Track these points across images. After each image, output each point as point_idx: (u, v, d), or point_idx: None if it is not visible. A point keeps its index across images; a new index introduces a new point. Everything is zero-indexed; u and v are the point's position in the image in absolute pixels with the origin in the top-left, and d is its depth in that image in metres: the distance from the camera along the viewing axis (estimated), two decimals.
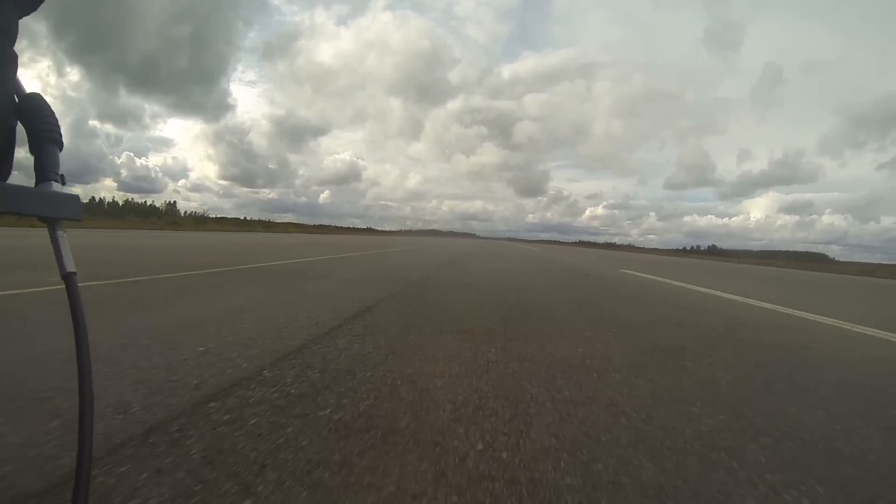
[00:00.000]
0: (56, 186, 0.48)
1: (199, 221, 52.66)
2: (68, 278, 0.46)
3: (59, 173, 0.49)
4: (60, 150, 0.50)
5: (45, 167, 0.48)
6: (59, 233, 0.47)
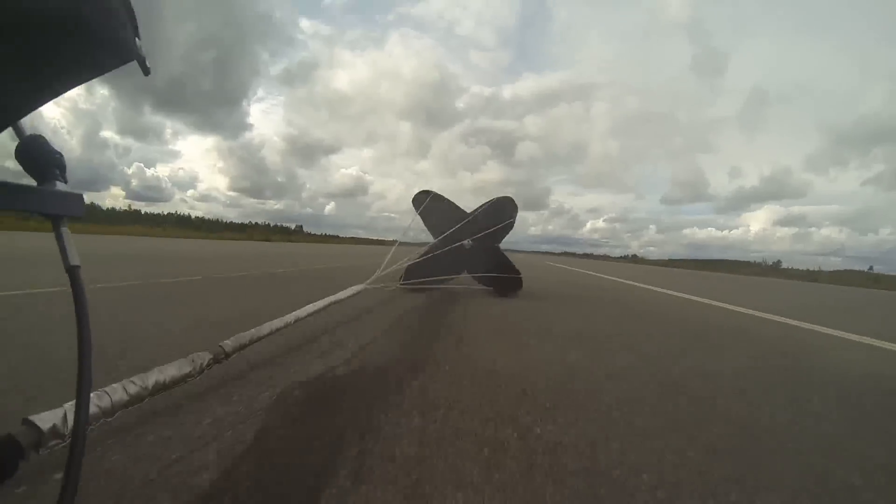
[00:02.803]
0: (59, 185, 0.49)
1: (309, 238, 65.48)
2: (72, 271, 0.49)
3: (62, 173, 0.50)
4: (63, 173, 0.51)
5: (48, 167, 0.49)
6: (63, 229, 0.49)
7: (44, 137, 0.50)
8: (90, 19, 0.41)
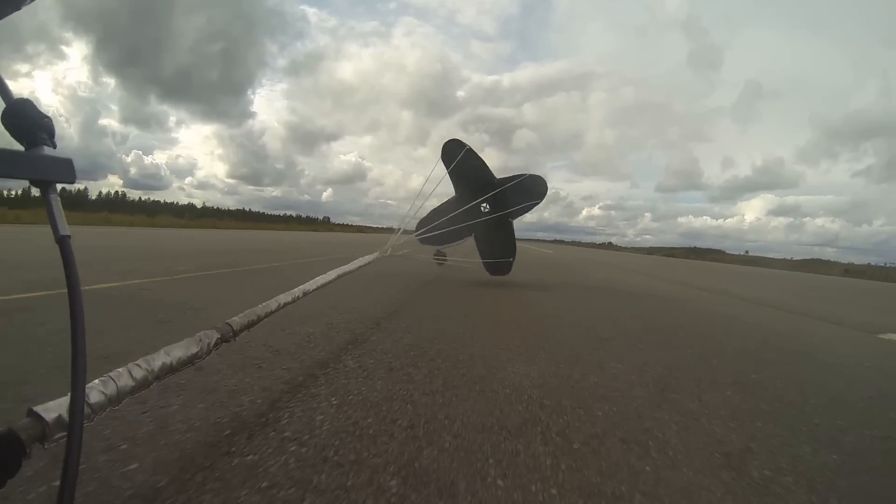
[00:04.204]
0: (48, 150, 0.47)
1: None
2: (62, 241, 0.47)
3: (51, 137, 0.48)
4: (52, 137, 0.49)
5: (36, 132, 0.47)
6: (53, 196, 0.47)
7: (31, 101, 0.48)
8: None
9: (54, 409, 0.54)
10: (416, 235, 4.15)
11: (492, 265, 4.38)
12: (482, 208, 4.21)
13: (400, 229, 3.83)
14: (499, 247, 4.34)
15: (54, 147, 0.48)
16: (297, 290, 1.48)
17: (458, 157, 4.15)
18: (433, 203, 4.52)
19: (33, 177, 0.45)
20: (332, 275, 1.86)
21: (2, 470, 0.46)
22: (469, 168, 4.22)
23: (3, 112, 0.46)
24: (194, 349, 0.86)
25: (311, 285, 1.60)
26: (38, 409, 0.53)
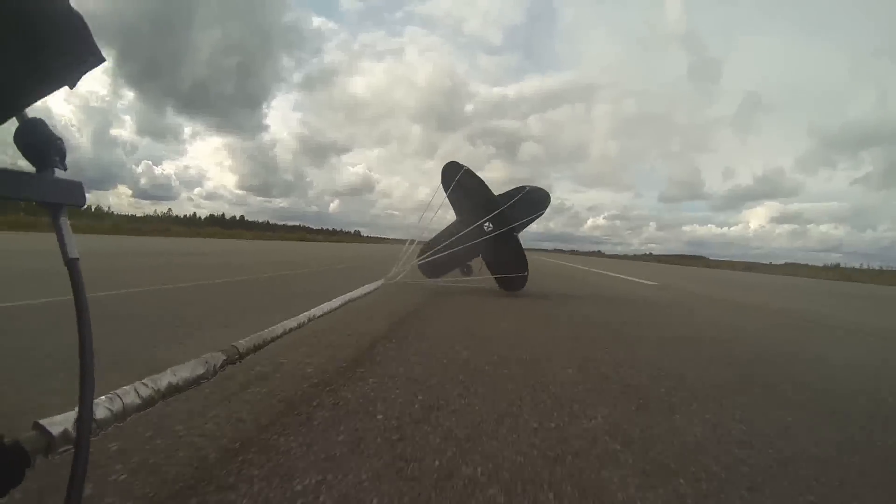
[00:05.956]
0: (59, 173, 0.47)
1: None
2: (71, 264, 0.47)
3: (62, 160, 0.48)
4: (63, 158, 0.49)
5: (47, 153, 0.47)
6: (63, 219, 0.47)
7: (44, 121, 0.47)
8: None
9: (60, 423, 0.55)
10: (419, 261, 4.15)
11: (504, 281, 4.33)
12: (486, 227, 4.20)
13: (409, 247, 3.76)
14: (509, 262, 4.30)
15: (65, 169, 0.48)
16: (303, 317, 1.48)
17: (455, 178, 4.19)
18: (441, 219, 4.55)
19: (44, 199, 0.45)
20: (337, 302, 1.87)
21: (6, 478, 0.46)
22: (469, 189, 4.26)
23: (16, 131, 0.46)
24: (200, 370, 0.86)
25: (317, 311, 1.61)
26: (44, 422, 0.54)
